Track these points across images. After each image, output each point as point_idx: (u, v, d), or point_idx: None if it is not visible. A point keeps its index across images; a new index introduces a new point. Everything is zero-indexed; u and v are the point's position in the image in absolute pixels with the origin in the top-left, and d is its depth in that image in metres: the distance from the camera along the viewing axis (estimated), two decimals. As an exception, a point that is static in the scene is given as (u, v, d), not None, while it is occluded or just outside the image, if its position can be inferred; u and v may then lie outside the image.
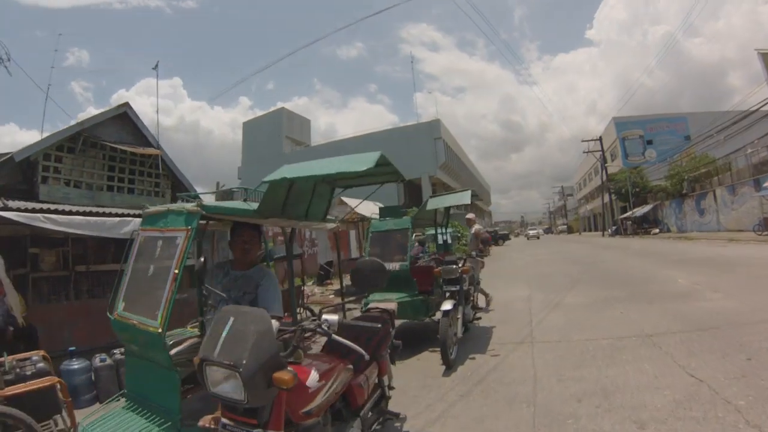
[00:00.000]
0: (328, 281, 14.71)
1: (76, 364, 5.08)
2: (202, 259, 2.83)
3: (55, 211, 6.32)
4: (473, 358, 5.22)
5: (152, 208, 3.26)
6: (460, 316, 5.57)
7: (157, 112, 10.73)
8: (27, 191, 8.21)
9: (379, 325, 2.90)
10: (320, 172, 2.90)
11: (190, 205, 2.91)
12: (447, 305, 5.21)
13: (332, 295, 12.05)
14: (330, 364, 2.41)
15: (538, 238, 53.80)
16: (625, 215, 39.33)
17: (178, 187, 10.61)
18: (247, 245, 2.93)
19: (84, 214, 6.65)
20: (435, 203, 6.89)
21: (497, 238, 40.00)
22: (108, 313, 3.15)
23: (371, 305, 3.86)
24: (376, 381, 3.06)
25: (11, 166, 8.05)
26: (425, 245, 15.93)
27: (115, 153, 9.58)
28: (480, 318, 6.98)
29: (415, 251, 16.66)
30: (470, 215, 9.95)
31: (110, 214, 6.94)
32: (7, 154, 8.36)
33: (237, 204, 3.36)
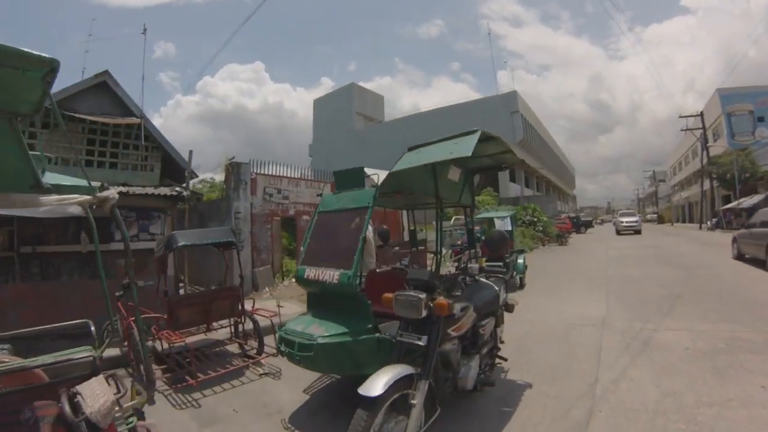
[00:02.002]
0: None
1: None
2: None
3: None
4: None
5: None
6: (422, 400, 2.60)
7: (143, 78, 9.09)
8: None
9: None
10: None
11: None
12: (380, 381, 2.29)
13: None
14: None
15: (638, 232, 28.93)
16: (729, 206, 30.80)
17: (169, 160, 8.92)
18: None
19: None
20: (415, 159, 3.68)
21: (579, 225, 34.71)
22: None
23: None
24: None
25: None
26: (481, 230, 12.81)
27: (96, 125, 8.23)
28: (501, 364, 4.13)
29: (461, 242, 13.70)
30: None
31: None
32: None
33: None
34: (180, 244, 4.74)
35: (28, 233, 7.04)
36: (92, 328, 3.48)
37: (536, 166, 41.82)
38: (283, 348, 3.43)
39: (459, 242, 12.83)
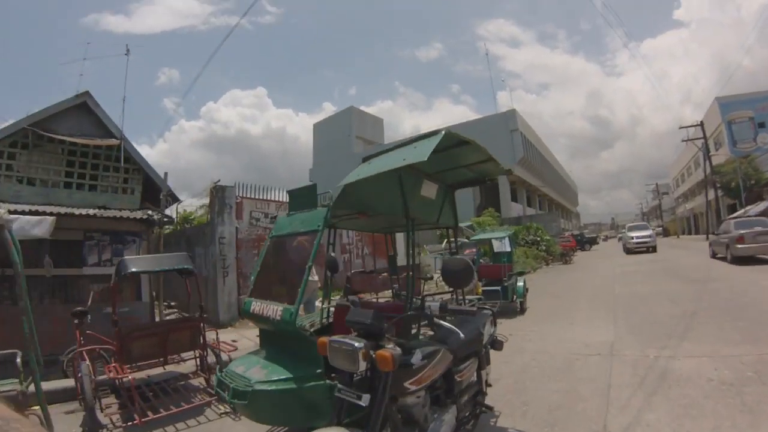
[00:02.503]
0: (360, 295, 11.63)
1: None
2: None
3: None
4: None
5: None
6: None
7: (124, 100, 8.81)
8: None
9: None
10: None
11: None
12: None
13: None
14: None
15: (653, 249, 23.14)
16: (736, 214, 30.00)
17: (150, 183, 8.52)
18: None
19: None
20: (365, 170, 3.06)
21: (583, 243, 33.81)
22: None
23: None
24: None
25: None
26: (477, 252, 12.17)
27: (75, 147, 7.91)
28: (491, 410, 3.51)
29: None
30: None
31: (22, 212, 5.42)
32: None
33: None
34: (129, 270, 4.38)
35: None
36: (18, 360, 3.26)
37: (538, 185, 41.40)
38: (221, 392, 2.89)
39: None
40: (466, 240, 13.44)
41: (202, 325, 4.82)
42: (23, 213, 5.70)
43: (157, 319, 7.24)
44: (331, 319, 3.62)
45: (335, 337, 2.14)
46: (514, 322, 7.81)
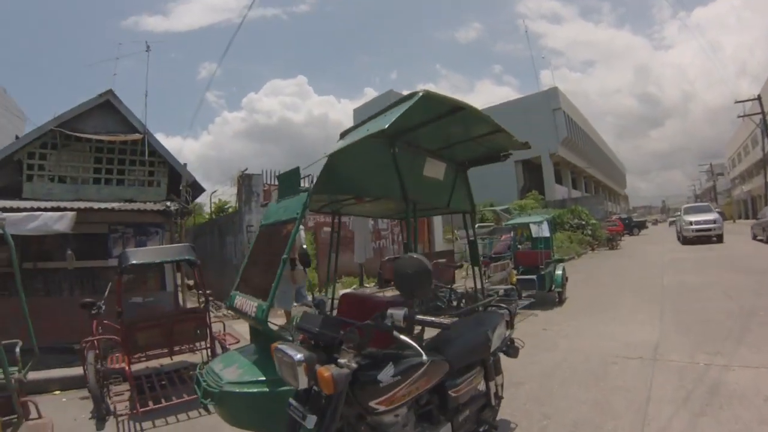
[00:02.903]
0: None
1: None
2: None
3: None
4: None
5: None
6: None
7: (146, 95, 8.87)
8: (20, 190, 7.62)
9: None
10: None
11: None
12: None
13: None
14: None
15: (718, 238, 17.53)
16: None
17: (178, 175, 8.55)
18: None
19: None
20: (336, 146, 2.75)
21: (631, 227, 31.69)
22: None
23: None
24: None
25: (1, 166, 7.65)
26: (514, 237, 11.34)
27: (102, 144, 8.07)
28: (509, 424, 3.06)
29: (502, 247, 12.27)
30: None
31: (44, 209, 5.70)
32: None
33: None
34: (130, 262, 4.32)
35: (33, 250, 6.96)
36: (17, 350, 3.42)
37: (583, 166, 39.22)
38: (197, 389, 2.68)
39: (493, 252, 11.47)
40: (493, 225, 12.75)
41: (207, 315, 4.72)
42: (45, 210, 5.85)
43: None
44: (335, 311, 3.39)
45: (281, 345, 1.81)
46: (549, 314, 7.23)
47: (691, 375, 3.79)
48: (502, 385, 2.85)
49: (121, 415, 3.92)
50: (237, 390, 2.38)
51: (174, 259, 4.81)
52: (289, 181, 3.22)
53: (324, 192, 2.89)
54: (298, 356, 1.68)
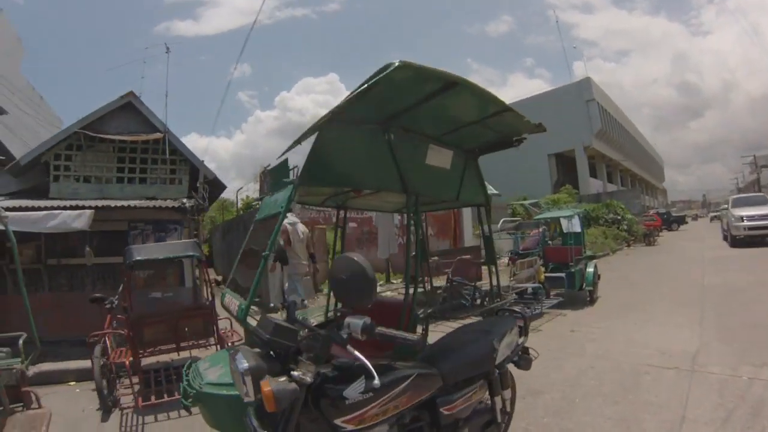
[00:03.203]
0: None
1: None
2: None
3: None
4: None
5: None
6: None
7: (166, 95, 8.94)
8: (47, 190, 7.95)
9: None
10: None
11: None
12: None
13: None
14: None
15: None
16: None
17: (197, 173, 8.60)
18: None
19: (16, 209, 5.85)
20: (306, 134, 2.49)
21: (669, 222, 29.95)
22: None
23: None
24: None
25: (30, 168, 8.08)
26: (544, 231, 10.68)
27: (124, 144, 8.23)
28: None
29: (531, 243, 11.55)
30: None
31: (64, 207, 6.11)
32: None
33: None
34: (134, 259, 4.29)
35: (58, 247, 7.16)
36: (20, 342, 3.52)
37: (618, 159, 37.52)
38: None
39: (522, 248, 10.87)
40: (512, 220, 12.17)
41: (213, 311, 4.65)
42: (64, 208, 5.94)
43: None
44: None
45: (240, 350, 1.59)
46: (579, 315, 6.78)
47: (733, 390, 3.32)
48: (511, 400, 2.53)
49: (126, 407, 3.95)
50: (215, 392, 2.20)
51: (177, 255, 4.72)
52: (279, 173, 3.02)
53: (312, 183, 2.63)
54: (244, 365, 1.47)
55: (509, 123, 2.95)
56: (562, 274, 7.70)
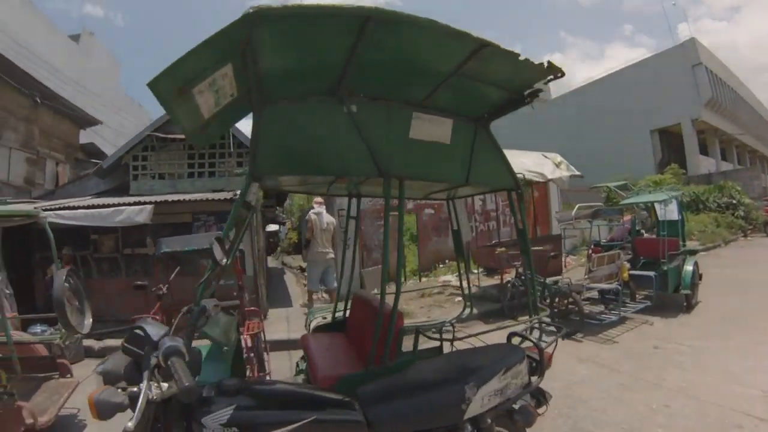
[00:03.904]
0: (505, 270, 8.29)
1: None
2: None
3: (61, 208, 6.44)
4: None
5: None
6: None
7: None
8: (128, 188, 8.93)
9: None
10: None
11: None
12: None
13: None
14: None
15: None
16: None
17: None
18: None
19: (91, 207, 6.59)
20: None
21: None
22: None
23: None
24: None
25: (113, 169, 9.11)
26: (633, 220, 9.08)
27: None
28: None
29: (619, 233, 9.91)
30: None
31: (116, 204, 6.65)
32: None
33: None
34: (162, 250, 4.46)
35: (132, 239, 7.73)
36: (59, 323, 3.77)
37: (734, 132, 31.96)
38: None
39: (609, 238, 9.38)
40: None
41: (242, 304, 4.56)
42: (128, 205, 6.32)
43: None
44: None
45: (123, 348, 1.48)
46: (669, 325, 5.63)
47: None
48: None
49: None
50: None
51: (203, 247, 4.73)
52: None
53: (269, 172, 2.09)
54: (100, 368, 1.49)
55: (516, 71, 2.09)
56: (651, 273, 6.36)
